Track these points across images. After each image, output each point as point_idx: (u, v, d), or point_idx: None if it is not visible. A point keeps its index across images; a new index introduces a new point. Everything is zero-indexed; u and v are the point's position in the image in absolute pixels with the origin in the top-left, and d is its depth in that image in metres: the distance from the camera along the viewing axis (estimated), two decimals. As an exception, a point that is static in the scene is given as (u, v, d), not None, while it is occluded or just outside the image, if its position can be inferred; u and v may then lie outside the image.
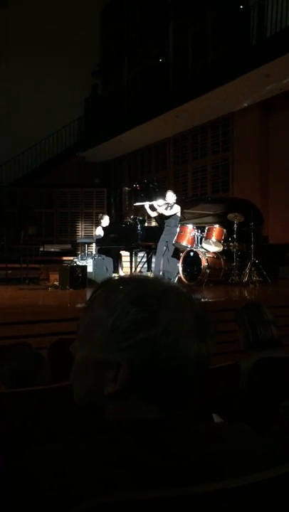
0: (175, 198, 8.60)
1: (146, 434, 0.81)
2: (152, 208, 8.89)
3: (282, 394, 1.96)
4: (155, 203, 8.82)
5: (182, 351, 0.83)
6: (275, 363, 2.33)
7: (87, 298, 0.95)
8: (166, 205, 8.60)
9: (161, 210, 8.66)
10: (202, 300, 0.87)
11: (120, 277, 0.94)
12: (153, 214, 9.01)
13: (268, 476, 0.78)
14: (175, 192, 8.86)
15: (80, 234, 15.40)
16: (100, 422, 0.87)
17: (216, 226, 8.58)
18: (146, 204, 9.02)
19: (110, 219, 10.45)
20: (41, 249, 11.72)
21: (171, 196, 8.58)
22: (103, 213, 11.13)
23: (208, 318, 0.88)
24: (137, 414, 0.84)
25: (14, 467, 0.79)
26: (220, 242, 8.46)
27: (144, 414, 0.83)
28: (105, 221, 10.04)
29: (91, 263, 8.91)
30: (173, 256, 8.55)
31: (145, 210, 9.15)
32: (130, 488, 0.73)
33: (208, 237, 8.50)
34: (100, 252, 9.66)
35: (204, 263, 8.11)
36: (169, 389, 0.84)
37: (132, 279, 0.90)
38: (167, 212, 8.56)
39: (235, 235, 8.35)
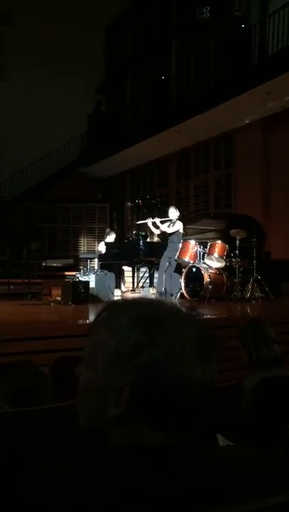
0: (177, 214, 8.61)
1: (152, 458, 0.80)
2: (155, 225, 8.89)
3: (286, 414, 1.94)
4: (157, 221, 8.82)
5: (184, 375, 0.82)
6: (279, 382, 2.32)
7: (92, 318, 0.95)
8: (169, 222, 8.61)
9: (164, 228, 8.67)
10: (205, 322, 0.87)
11: (124, 300, 0.94)
12: (156, 231, 9.01)
13: (276, 501, 0.78)
14: (177, 208, 8.87)
15: (82, 249, 15.42)
16: (105, 445, 0.87)
17: (219, 242, 8.59)
18: (149, 221, 9.03)
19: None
20: (43, 264, 11.74)
21: (173, 212, 8.58)
22: (110, 229, 11.10)
23: (212, 341, 0.88)
24: (141, 439, 0.83)
25: (16, 488, 0.78)
26: (222, 257, 8.46)
27: (148, 438, 0.83)
28: (111, 237, 10.02)
29: (93, 278, 8.87)
30: (175, 271, 8.54)
31: (148, 226, 9.16)
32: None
33: (210, 253, 8.51)
34: (102, 267, 9.65)
35: (206, 279, 8.10)
36: (172, 413, 0.83)
37: (135, 302, 0.91)
38: (170, 230, 8.55)
39: (237, 251, 8.36)
